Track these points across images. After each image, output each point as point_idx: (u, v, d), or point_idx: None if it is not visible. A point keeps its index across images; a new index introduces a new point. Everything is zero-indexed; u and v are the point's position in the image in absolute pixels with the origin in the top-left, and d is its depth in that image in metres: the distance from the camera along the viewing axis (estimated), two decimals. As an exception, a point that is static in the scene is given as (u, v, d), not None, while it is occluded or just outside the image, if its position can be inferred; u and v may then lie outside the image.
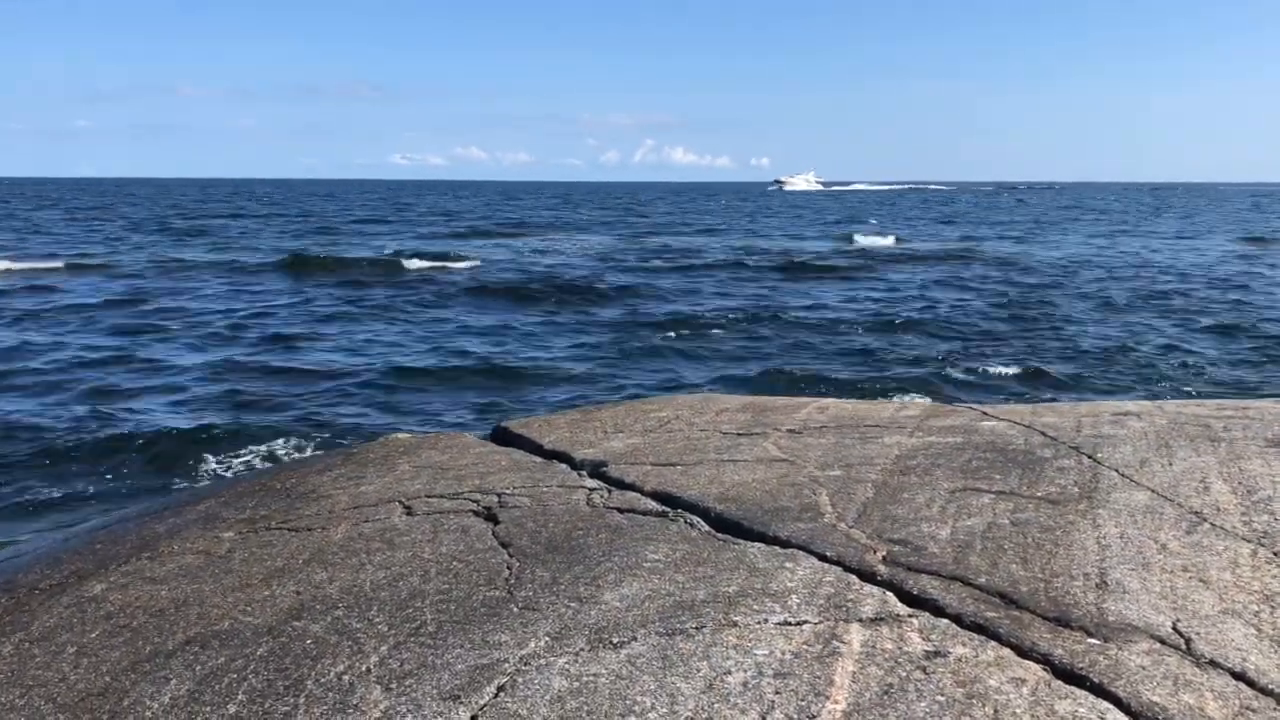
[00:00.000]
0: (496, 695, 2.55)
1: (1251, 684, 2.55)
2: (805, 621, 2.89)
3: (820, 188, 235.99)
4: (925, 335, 22.39)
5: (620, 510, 4.03)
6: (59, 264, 36.37)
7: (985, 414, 5.76)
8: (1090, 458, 4.60)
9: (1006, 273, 36.28)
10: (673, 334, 22.20)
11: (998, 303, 27.58)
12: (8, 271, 33.50)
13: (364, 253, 43.03)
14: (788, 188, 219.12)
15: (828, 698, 2.47)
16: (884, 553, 3.43)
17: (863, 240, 53.68)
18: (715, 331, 22.66)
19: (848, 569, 3.30)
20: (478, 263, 39.00)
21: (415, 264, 37.56)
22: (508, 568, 3.44)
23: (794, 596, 3.06)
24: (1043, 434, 5.09)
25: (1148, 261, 40.60)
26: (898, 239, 54.93)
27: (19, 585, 3.84)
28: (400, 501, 4.32)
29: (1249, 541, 3.52)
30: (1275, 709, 2.43)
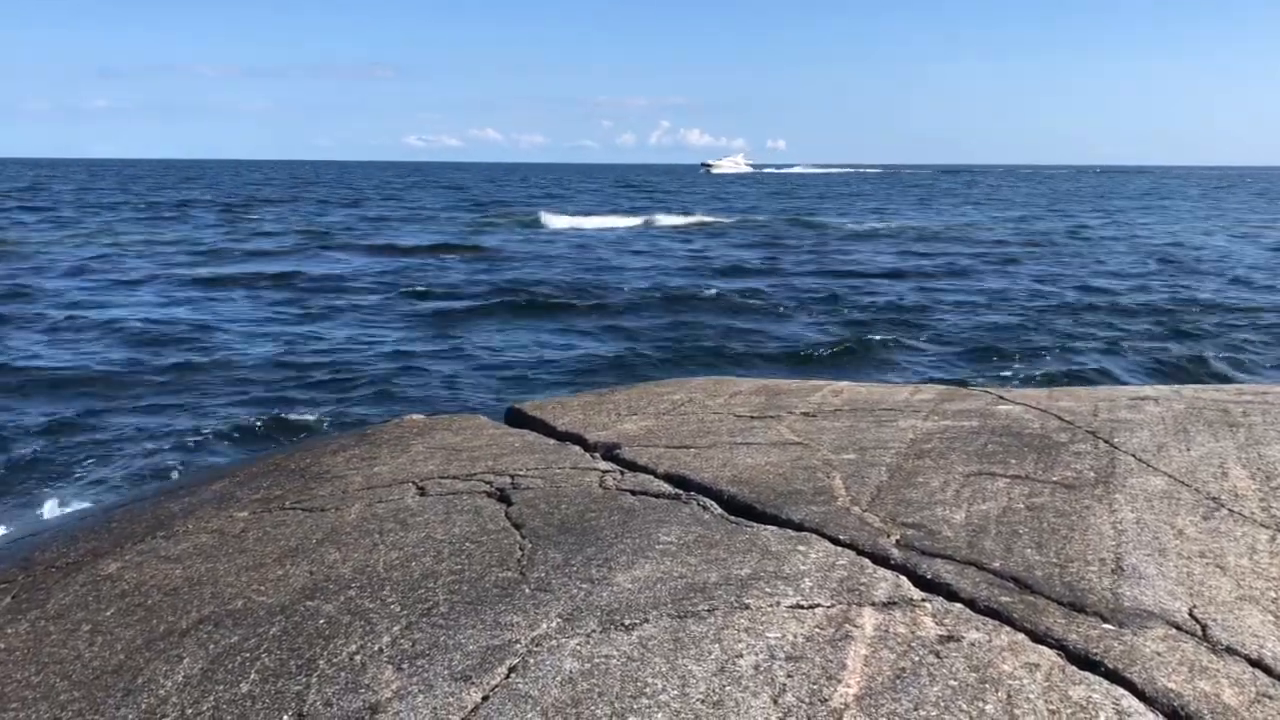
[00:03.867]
0: (508, 676, 2.56)
1: (1268, 671, 2.53)
2: (818, 605, 2.88)
3: (750, 169, 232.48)
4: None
5: (633, 492, 4.03)
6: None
7: (1001, 398, 5.73)
8: (1107, 442, 4.57)
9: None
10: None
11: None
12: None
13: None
14: (715, 170, 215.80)
15: (840, 681, 2.46)
16: (898, 536, 3.41)
17: None
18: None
19: (861, 552, 3.28)
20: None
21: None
22: (520, 549, 3.44)
23: (807, 580, 3.05)
24: (1059, 418, 5.05)
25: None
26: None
27: (36, 563, 3.86)
28: (414, 482, 4.32)
29: (1267, 528, 3.49)
30: (1292, 696, 2.41)
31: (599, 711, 2.37)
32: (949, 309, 22.88)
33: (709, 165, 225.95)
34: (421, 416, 5.97)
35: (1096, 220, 54.56)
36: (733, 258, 34.21)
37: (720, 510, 3.77)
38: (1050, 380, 14.46)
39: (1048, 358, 17.35)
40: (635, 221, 50.70)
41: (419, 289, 25.91)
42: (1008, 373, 16.04)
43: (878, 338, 19.05)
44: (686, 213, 57.47)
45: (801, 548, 3.32)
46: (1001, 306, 23.24)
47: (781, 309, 23.13)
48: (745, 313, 22.67)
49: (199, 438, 12.30)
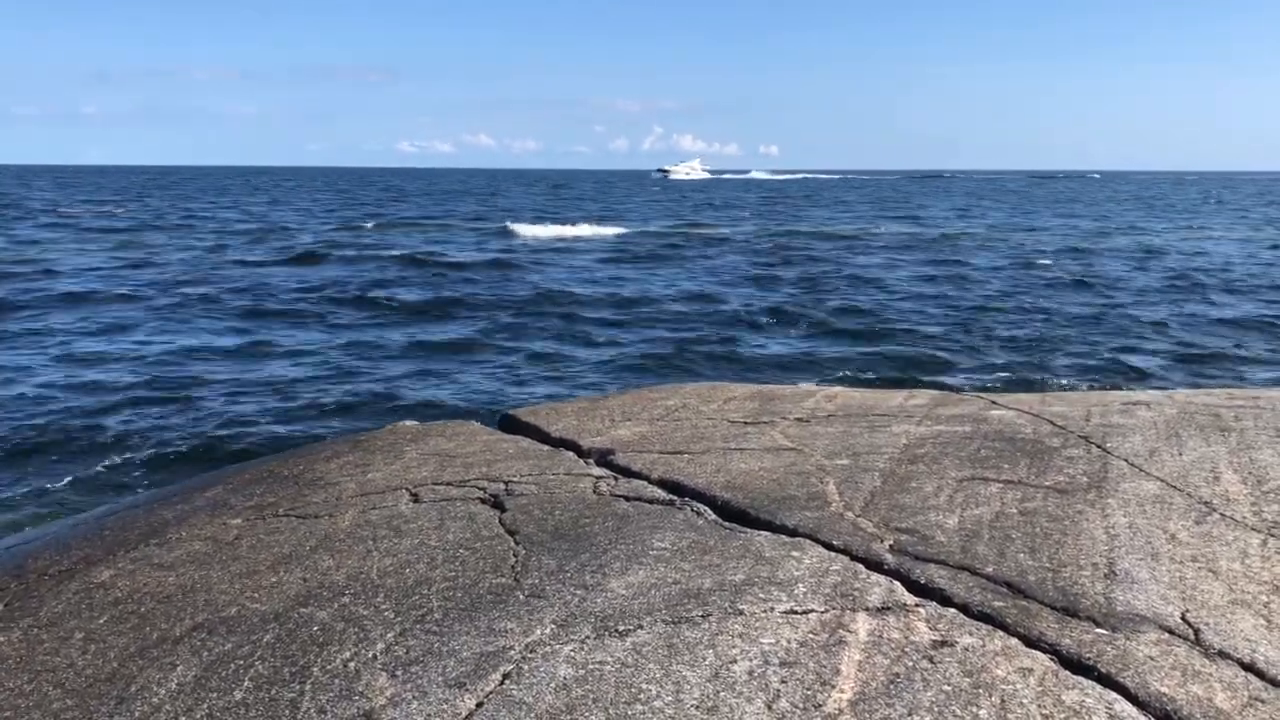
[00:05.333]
0: (502, 683, 2.55)
1: (1260, 675, 2.54)
2: (812, 610, 2.88)
3: (708, 175, 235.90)
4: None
5: (627, 498, 4.03)
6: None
7: (994, 403, 5.74)
8: (1099, 447, 4.58)
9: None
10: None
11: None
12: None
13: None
14: (673, 176, 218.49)
15: (834, 687, 2.46)
16: (891, 542, 3.42)
17: None
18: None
19: (855, 558, 3.29)
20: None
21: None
22: (514, 555, 3.44)
23: (800, 585, 3.06)
24: (1052, 423, 5.07)
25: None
26: None
27: (28, 571, 3.85)
28: (407, 489, 4.32)
29: (1259, 532, 3.51)
30: (1284, 700, 2.42)
31: (593, 718, 2.37)
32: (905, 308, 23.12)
33: (666, 170, 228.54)
34: (415, 423, 5.96)
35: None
36: (700, 265, 34.71)
37: (714, 516, 3.78)
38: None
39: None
40: (609, 230, 51.22)
41: (397, 298, 25.81)
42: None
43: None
44: (653, 220, 58.83)
45: (795, 553, 3.33)
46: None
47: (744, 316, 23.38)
48: (713, 319, 22.90)
49: (186, 444, 12.28)
